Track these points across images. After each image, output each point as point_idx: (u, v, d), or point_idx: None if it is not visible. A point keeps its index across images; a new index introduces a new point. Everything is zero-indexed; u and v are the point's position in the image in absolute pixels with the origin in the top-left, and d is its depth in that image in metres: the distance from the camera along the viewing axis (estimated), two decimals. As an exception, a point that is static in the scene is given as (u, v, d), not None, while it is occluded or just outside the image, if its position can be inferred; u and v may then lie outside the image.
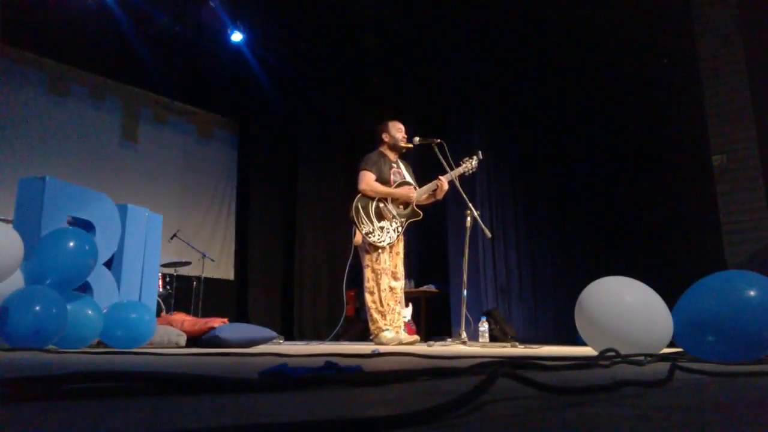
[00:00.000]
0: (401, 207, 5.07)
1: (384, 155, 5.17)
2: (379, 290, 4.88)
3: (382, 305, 4.87)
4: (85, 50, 7.25)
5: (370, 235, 4.88)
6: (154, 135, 8.30)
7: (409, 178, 5.21)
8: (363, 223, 4.89)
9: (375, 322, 4.85)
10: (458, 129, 7.20)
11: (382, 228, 4.93)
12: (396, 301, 4.99)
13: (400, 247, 5.12)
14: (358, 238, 4.96)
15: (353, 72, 8.37)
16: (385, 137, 5.21)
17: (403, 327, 5.06)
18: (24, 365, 1.71)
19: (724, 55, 5.23)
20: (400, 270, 5.10)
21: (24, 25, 6.62)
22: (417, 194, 5.10)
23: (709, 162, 5.18)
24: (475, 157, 5.22)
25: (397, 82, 8.27)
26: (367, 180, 4.98)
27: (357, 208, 4.92)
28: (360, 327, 6.94)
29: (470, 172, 5.21)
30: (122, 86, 7.98)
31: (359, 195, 4.97)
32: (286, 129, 9.12)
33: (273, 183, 9.13)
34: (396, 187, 5.06)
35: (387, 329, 4.81)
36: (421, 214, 5.14)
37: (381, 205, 4.98)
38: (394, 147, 5.20)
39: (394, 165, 5.19)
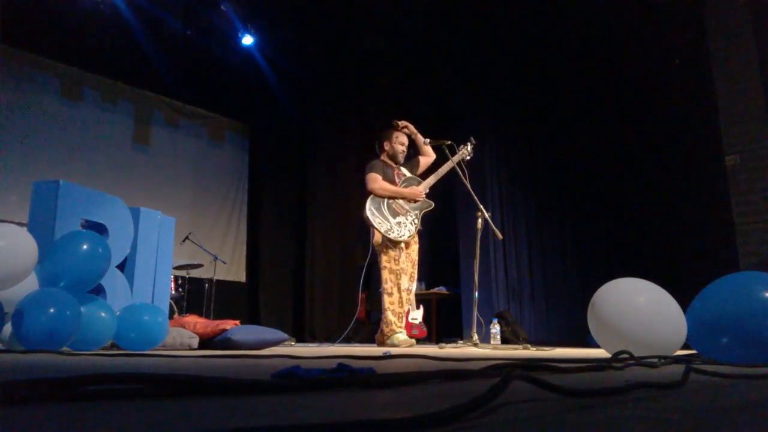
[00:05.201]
0: (412, 201, 5.08)
1: (386, 162, 5.22)
2: (399, 290, 4.90)
3: (400, 306, 4.88)
4: (98, 54, 7.30)
5: (389, 232, 4.88)
6: (166, 138, 8.34)
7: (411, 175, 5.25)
8: (379, 223, 4.89)
9: (389, 324, 4.85)
10: (468, 129, 7.16)
11: (399, 223, 4.94)
12: (407, 302, 5.02)
13: (414, 249, 5.12)
14: (378, 238, 4.95)
15: (363, 74, 8.37)
16: (386, 145, 5.26)
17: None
18: (38, 367, 1.72)
19: (736, 55, 5.19)
20: (411, 270, 5.11)
21: (36, 29, 6.66)
22: (423, 187, 5.14)
23: (723, 163, 5.14)
24: (469, 144, 5.24)
25: (406, 82, 8.27)
26: (376, 180, 5.00)
27: (370, 210, 4.92)
28: (372, 329, 6.94)
29: (467, 157, 5.21)
30: (134, 90, 8.02)
31: (370, 197, 4.97)
32: (296, 131, 9.14)
33: (284, 185, 9.15)
34: (402, 185, 5.09)
35: (400, 331, 4.84)
36: (433, 204, 5.16)
37: (391, 202, 5.00)
38: (393, 158, 5.24)
39: (397, 169, 5.23)
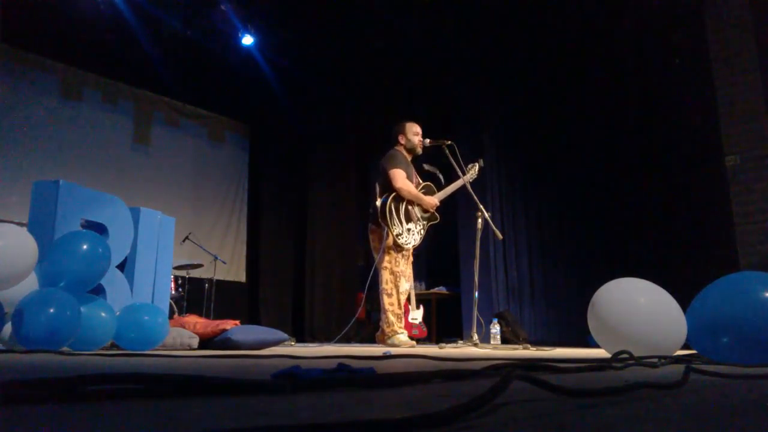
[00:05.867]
0: (424, 210, 5.06)
1: (405, 157, 5.12)
2: (398, 292, 4.87)
3: (399, 307, 4.88)
4: (98, 54, 7.31)
5: (399, 237, 4.82)
6: (166, 138, 8.34)
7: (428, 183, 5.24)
8: (394, 225, 4.80)
9: (390, 324, 4.83)
10: (468, 130, 7.18)
11: (409, 230, 4.89)
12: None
13: (411, 253, 5.12)
14: (390, 240, 4.90)
15: (363, 74, 8.37)
16: (401, 139, 5.15)
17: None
18: (38, 367, 1.72)
19: (736, 54, 5.19)
20: (408, 272, 5.11)
21: (37, 29, 6.67)
22: (437, 199, 5.11)
23: (722, 163, 5.14)
24: (476, 164, 5.25)
25: (407, 83, 8.26)
26: (404, 179, 4.87)
27: (390, 209, 4.80)
28: (372, 329, 6.94)
29: (474, 177, 5.22)
30: (134, 90, 8.03)
31: (392, 195, 4.84)
32: (296, 132, 9.15)
33: (284, 185, 9.16)
34: (421, 190, 5.04)
35: (402, 332, 4.84)
36: (439, 218, 5.15)
37: (409, 207, 4.93)
38: (409, 150, 5.15)
39: (414, 168, 5.18)
